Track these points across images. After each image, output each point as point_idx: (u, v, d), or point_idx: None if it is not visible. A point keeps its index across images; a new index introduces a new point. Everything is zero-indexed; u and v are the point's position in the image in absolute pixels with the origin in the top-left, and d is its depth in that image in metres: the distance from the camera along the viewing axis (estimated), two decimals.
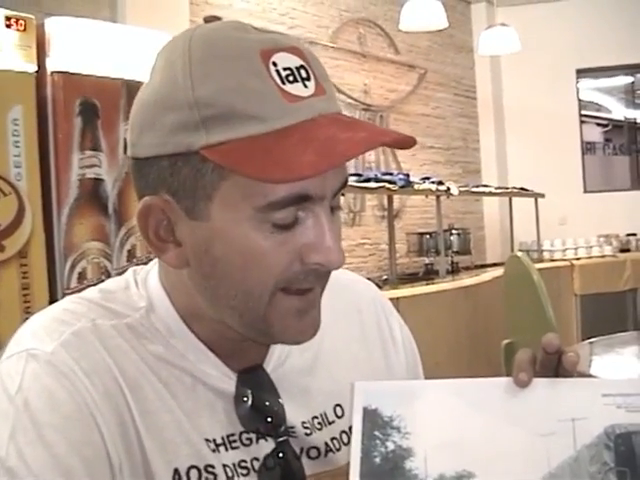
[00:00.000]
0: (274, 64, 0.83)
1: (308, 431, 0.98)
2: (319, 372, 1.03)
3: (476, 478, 0.79)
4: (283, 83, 0.83)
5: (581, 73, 9.23)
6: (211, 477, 0.90)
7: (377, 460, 0.79)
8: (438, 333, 5.15)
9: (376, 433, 0.81)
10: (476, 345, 5.65)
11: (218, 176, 0.83)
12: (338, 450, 1.00)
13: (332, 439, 1.00)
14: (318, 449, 0.99)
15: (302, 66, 0.85)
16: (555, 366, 0.84)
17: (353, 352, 1.08)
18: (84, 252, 2.96)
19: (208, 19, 0.90)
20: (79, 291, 0.99)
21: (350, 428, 0.98)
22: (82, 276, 2.92)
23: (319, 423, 1.00)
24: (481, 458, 0.80)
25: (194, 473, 0.89)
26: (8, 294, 2.67)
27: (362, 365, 1.08)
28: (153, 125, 0.85)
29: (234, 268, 0.86)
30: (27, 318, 0.95)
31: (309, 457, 0.98)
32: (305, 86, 0.84)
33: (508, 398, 0.82)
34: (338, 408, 1.03)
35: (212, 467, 0.90)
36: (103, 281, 1.02)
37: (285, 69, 0.84)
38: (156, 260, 0.98)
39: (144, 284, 0.97)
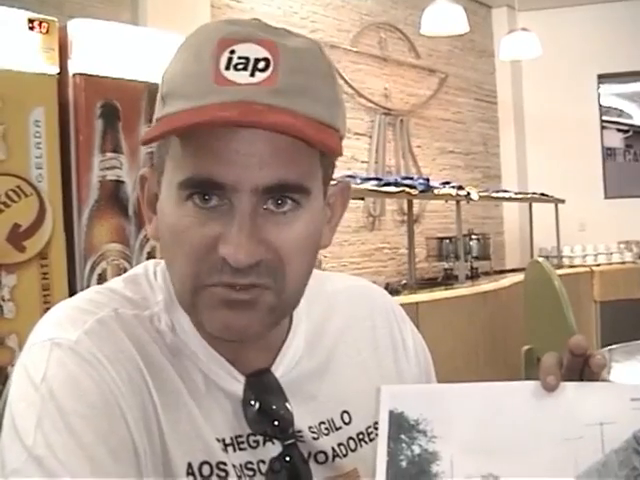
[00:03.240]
0: (232, 52, 0.85)
1: (315, 435, 0.99)
2: (328, 378, 1.04)
3: None
4: (227, 69, 0.84)
5: (602, 78, 9.18)
6: (222, 474, 0.91)
7: (403, 464, 0.79)
8: (457, 338, 5.13)
9: (402, 437, 0.80)
10: (495, 351, 5.62)
11: (165, 150, 0.89)
12: (345, 456, 1.01)
13: (339, 445, 1.01)
14: (325, 454, 0.99)
15: (265, 58, 0.85)
16: (580, 369, 0.84)
17: (363, 359, 1.09)
18: (104, 254, 2.97)
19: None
20: None
21: (357, 434, 1.02)
22: (102, 277, 2.93)
23: (326, 428, 1.01)
24: (508, 462, 0.80)
25: (206, 469, 0.90)
26: (28, 295, 2.69)
27: (372, 372, 1.08)
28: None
29: (166, 242, 0.90)
30: None
31: (317, 461, 0.98)
32: (252, 75, 0.84)
33: (535, 402, 0.82)
34: (345, 415, 1.03)
35: (224, 464, 0.91)
36: None
37: (240, 58, 0.84)
38: None
39: (164, 274, 0.99)
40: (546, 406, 0.81)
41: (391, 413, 0.81)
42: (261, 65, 0.84)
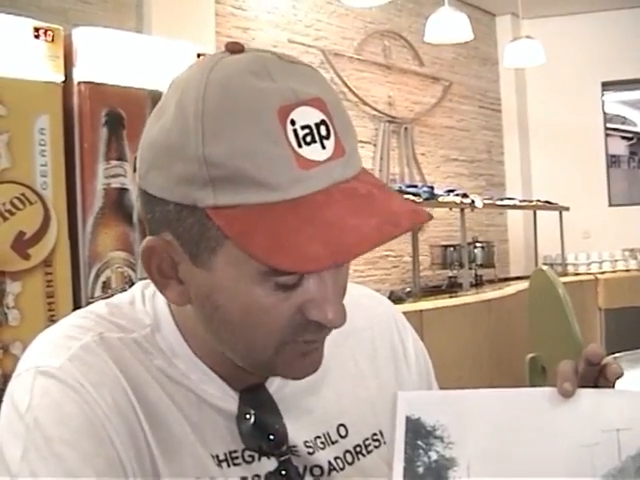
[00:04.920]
0: (292, 122, 0.79)
1: (311, 450, 0.98)
2: (324, 391, 1.03)
3: None
4: (299, 145, 0.79)
5: (606, 86, 9.19)
6: None
7: (420, 470, 0.79)
8: (461, 346, 5.13)
9: (419, 442, 0.80)
10: (499, 359, 5.62)
11: (223, 234, 0.80)
12: (342, 469, 1.00)
13: (336, 458, 1.00)
14: (321, 468, 0.98)
15: (323, 121, 0.81)
16: (595, 377, 0.84)
17: (361, 369, 1.08)
18: (108, 261, 2.97)
19: (229, 47, 0.85)
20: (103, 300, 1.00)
21: (355, 447, 1.02)
22: (106, 285, 2.93)
23: (322, 443, 1.00)
24: (524, 468, 0.79)
25: None
26: (33, 302, 2.69)
27: (369, 383, 1.08)
28: (161, 168, 0.83)
29: (235, 320, 0.86)
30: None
31: (313, 475, 0.98)
32: (323, 146, 0.80)
33: (552, 408, 0.81)
34: (342, 428, 1.02)
35: None
36: (126, 290, 1.02)
37: (303, 127, 0.79)
38: None
39: (151, 301, 0.98)
40: (562, 412, 0.81)
41: (408, 419, 0.81)
42: (323, 131, 0.81)
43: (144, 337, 0.94)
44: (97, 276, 2.93)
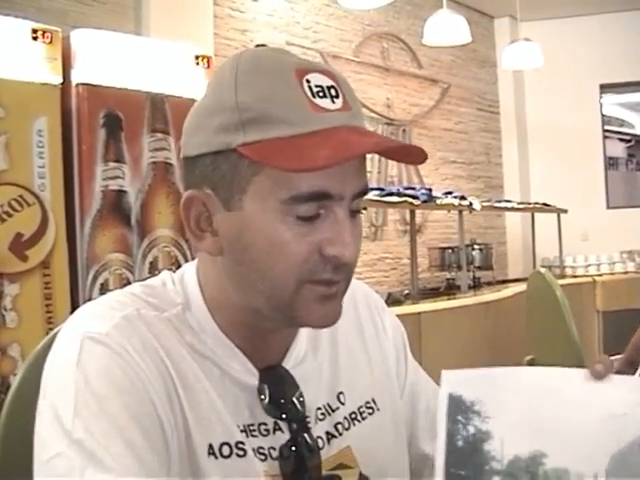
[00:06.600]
0: (307, 81, 0.96)
1: (315, 421, 1.08)
2: (326, 367, 1.14)
3: (548, 457, 0.85)
4: (313, 97, 0.95)
5: (604, 88, 9.19)
6: (241, 453, 1.00)
7: (460, 443, 0.86)
8: (459, 348, 5.13)
9: (459, 417, 0.88)
10: (497, 361, 5.58)
11: (251, 171, 0.94)
12: (340, 435, 1.10)
13: (336, 424, 1.10)
14: (322, 438, 1.08)
15: (332, 86, 0.98)
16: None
17: (351, 346, 1.19)
18: (106, 263, 2.97)
19: (258, 45, 1.05)
20: None
21: (350, 414, 1.13)
22: (104, 287, 2.94)
23: (322, 414, 1.09)
24: (554, 439, 0.86)
25: (226, 449, 0.99)
26: (31, 304, 2.69)
27: (360, 357, 1.19)
28: (201, 127, 0.98)
29: (261, 255, 0.96)
30: (50, 328, 0.98)
31: (318, 447, 1.06)
32: (333, 102, 0.97)
33: (583, 386, 0.87)
34: (341, 395, 1.13)
35: (242, 444, 1.00)
36: None
37: (317, 86, 0.96)
38: (190, 263, 1.11)
39: (181, 281, 1.08)
40: (593, 390, 0.87)
41: (450, 396, 0.88)
42: (333, 92, 0.98)
43: (175, 315, 1.04)
44: (95, 278, 2.93)
